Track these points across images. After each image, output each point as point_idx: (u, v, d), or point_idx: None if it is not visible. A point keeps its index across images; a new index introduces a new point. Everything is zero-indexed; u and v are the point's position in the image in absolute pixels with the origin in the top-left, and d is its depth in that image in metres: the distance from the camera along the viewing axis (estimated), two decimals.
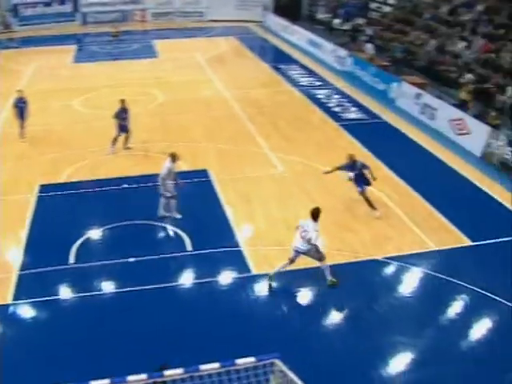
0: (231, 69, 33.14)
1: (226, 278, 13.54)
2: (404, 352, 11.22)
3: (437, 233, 15.13)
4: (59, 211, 16.65)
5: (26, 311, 12.42)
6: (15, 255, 14.39)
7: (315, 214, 12.51)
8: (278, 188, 17.75)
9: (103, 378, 7.89)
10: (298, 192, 17.41)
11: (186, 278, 13.52)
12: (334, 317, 12.24)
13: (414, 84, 25.50)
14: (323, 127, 23.24)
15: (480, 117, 21.53)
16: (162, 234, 15.44)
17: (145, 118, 24.08)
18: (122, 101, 20.37)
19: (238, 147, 20.94)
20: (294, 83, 29.54)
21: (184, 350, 10.93)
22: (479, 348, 11.37)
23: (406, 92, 25.30)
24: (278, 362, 8.40)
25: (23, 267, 13.81)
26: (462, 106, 23.03)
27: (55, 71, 32.94)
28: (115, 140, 20.39)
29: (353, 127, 22.92)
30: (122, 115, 20.21)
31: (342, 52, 32.36)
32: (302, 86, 29.15)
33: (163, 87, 29.16)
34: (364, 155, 19.93)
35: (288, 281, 13.24)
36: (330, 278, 12.84)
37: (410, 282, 13.45)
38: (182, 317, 12.04)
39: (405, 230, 15.33)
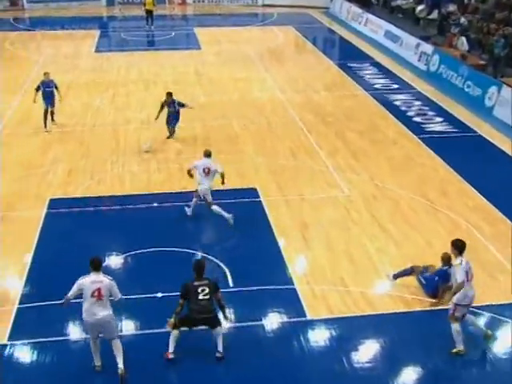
0: (289, 66, 33.46)
1: (275, 322, 13.60)
2: None
3: None
4: (72, 232, 17.02)
5: (26, 354, 12.54)
6: (15, 284, 14.75)
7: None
8: (343, 214, 17.87)
9: None
10: (368, 220, 17.49)
11: (224, 321, 13.50)
12: (407, 376, 12.13)
13: None
14: (400, 141, 23.26)
15: None
16: None
17: (182, 122, 24.44)
18: (169, 94, 22.79)
19: (295, 162, 21.16)
20: (366, 86, 29.70)
21: None
22: None
23: (507, 99, 25.08)
24: None
25: (24, 300, 14.06)
26: None
27: (73, 61, 33.87)
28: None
29: (437, 142, 22.89)
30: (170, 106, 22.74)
31: (427, 47, 32.32)
32: (376, 89, 29.30)
33: (206, 86, 29.71)
34: (449, 177, 19.93)
35: (351, 329, 13.29)
36: None
37: (503, 337, 13.13)
38: (219, 367, 12.13)
39: (497, 272, 15.15)
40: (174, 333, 12.09)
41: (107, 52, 36.86)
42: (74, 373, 12.00)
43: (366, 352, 12.77)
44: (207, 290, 11.94)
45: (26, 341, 12.65)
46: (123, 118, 25.31)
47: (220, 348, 12.13)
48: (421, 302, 14.07)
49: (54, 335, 12.73)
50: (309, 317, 13.63)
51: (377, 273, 15.23)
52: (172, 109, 22.55)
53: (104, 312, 11.56)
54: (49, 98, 23.74)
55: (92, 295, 11.42)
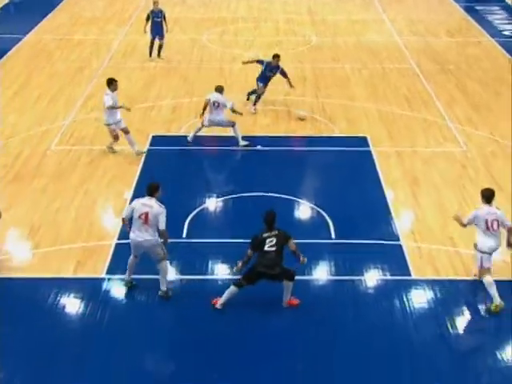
0: (409, 7, 32.90)
1: (376, 278, 13.59)
2: None
3: None
4: (173, 170, 17.51)
5: (121, 288, 13.01)
6: (115, 219, 15.17)
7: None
8: (458, 171, 17.56)
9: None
10: (484, 179, 17.07)
11: (323, 273, 13.65)
12: None
13: None
14: None
15: None
16: (299, 213, 15.86)
17: (291, 64, 24.43)
18: (277, 56, 20.57)
19: (409, 112, 20.92)
20: (494, 32, 28.94)
21: (311, 360, 11.25)
22: None
23: None
24: None
25: (122, 235, 14.32)
26: None
27: None
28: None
29: None
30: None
31: None
32: (505, 36, 28.53)
33: (318, 26, 29.60)
34: None
35: (458, 293, 13.16)
36: None
37: None
38: (314, 321, 12.24)
39: None
40: (233, 289, 12.16)
41: None
42: (162, 309, 12.49)
43: (472, 319, 12.57)
44: (274, 241, 11.92)
45: (123, 276, 13.01)
46: (230, 57, 25.54)
47: (285, 299, 12.27)
48: None
49: (148, 273, 12.93)
50: (413, 276, 13.55)
51: None
52: (269, 73, 20.54)
53: (148, 236, 12.11)
54: (157, 29, 24.43)
55: (139, 217, 12.03)
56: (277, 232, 12.03)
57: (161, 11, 24.51)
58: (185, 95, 21.87)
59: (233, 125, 18.38)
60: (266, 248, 11.89)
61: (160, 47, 24.81)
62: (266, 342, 11.71)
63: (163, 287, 12.50)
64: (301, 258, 12.20)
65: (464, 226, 12.91)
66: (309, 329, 12.05)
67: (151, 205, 12.09)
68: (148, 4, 29.48)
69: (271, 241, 11.90)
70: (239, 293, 12.09)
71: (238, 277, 12.22)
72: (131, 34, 27.83)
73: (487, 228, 12.59)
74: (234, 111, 18.32)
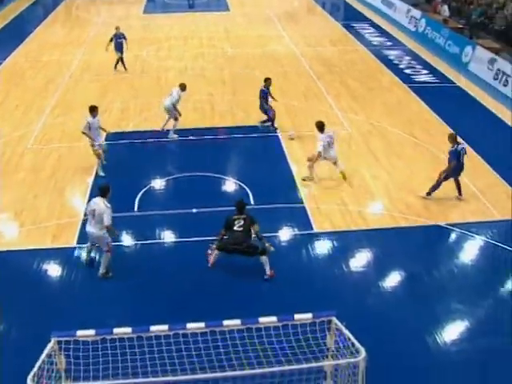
0: (302, 26, 32.67)
1: (287, 233, 13.61)
2: (460, 320, 11.00)
3: (502, 202, 14.69)
4: (124, 159, 16.95)
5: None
6: (80, 200, 14.77)
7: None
8: (345, 147, 17.47)
9: (158, 323, 8.25)
10: (365, 152, 17.23)
11: None
12: (393, 279, 12.13)
13: (488, 49, 24.57)
14: (393, 89, 22.77)
15: None
16: (225, 187, 15.64)
17: (213, 71, 24.14)
18: (267, 80, 18.66)
19: (306, 104, 20.81)
20: (365, 42, 28.97)
21: (241, 304, 11.12)
22: None
23: (479, 57, 24.36)
24: (335, 320, 8.43)
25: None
26: None
27: (126, 22, 33.18)
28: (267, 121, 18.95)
29: (423, 90, 22.35)
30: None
31: (416, 12, 31.38)
32: (373, 45, 28.57)
33: (233, 41, 29.14)
34: (432, 119, 19.60)
35: (349, 240, 13.26)
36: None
37: (472, 251, 13.15)
38: (240, 270, 12.16)
39: (469, 198, 14.95)
40: (217, 252, 12.03)
41: (153, 14, 36.29)
42: (121, 268, 12.20)
43: (360, 259, 12.76)
44: (242, 223, 11.70)
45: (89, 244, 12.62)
46: (165, 68, 24.98)
47: (267, 271, 11.83)
48: (406, 219, 13.98)
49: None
50: (315, 230, 13.59)
51: (371, 195, 15.09)
52: (268, 95, 18.55)
53: (95, 230, 11.58)
54: (119, 47, 23.87)
55: (90, 212, 11.56)
56: (245, 216, 11.80)
57: (122, 34, 23.92)
58: (131, 99, 21.26)
59: (175, 118, 17.91)
60: (235, 228, 11.69)
61: (122, 61, 24.25)
62: (210, 282, 11.79)
63: (101, 270, 11.85)
64: (266, 244, 11.92)
65: (320, 155, 14.97)
66: (238, 274, 12.04)
67: (99, 203, 11.45)
68: (97, 31, 29.08)
69: (239, 222, 11.70)
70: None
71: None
72: (86, 54, 26.92)
73: (328, 145, 14.94)
74: (173, 105, 17.66)
